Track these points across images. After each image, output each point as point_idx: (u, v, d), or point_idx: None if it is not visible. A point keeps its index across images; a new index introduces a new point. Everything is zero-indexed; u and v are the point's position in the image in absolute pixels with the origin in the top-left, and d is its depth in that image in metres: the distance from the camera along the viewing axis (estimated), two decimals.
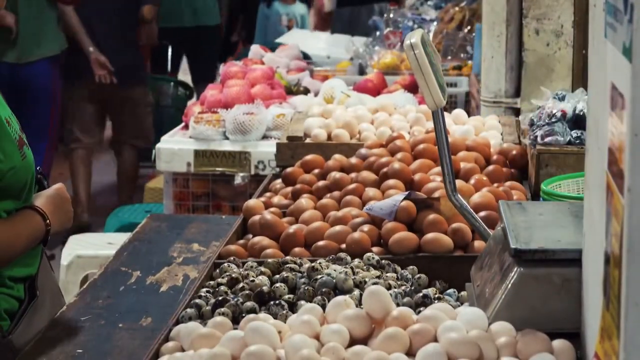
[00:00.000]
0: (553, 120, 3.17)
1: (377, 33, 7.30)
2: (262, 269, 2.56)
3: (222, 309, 2.31)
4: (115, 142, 7.54)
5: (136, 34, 7.51)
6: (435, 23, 7.42)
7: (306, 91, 5.48)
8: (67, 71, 7.15)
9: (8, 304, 2.47)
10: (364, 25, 9.33)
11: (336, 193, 3.12)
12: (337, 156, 3.39)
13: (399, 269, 2.60)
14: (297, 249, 2.81)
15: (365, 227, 2.81)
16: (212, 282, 2.57)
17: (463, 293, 2.46)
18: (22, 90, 6.75)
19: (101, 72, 7.06)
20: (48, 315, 2.57)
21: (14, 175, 2.43)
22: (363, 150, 3.40)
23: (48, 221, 2.50)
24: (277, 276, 2.49)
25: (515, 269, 2.03)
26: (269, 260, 2.60)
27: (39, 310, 2.55)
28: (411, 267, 2.62)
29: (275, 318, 2.23)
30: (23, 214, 2.48)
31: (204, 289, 2.49)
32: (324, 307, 2.19)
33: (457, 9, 7.36)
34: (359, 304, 2.25)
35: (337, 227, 2.84)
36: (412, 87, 5.29)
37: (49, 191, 2.58)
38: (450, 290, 2.51)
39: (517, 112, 4.33)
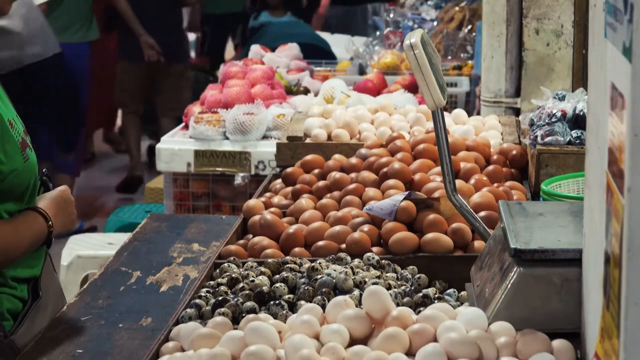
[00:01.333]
0: (553, 120, 3.17)
1: (377, 33, 7.30)
2: (262, 269, 2.56)
3: (222, 309, 2.31)
4: (155, 113, 8.44)
5: (180, 16, 8.52)
6: (435, 23, 7.43)
7: (306, 91, 5.48)
8: (120, 49, 8.39)
9: (11, 304, 2.48)
10: (359, 25, 9.26)
11: (336, 193, 3.12)
12: (337, 156, 3.39)
13: (398, 269, 2.60)
14: (297, 249, 2.81)
15: (365, 227, 2.81)
16: (212, 282, 2.57)
17: (463, 293, 2.46)
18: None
19: (150, 52, 8.08)
20: (50, 316, 2.58)
21: (16, 177, 2.43)
22: (363, 150, 3.40)
23: (50, 223, 2.50)
24: (277, 276, 2.50)
25: (515, 269, 2.03)
26: (269, 260, 2.60)
27: (41, 311, 2.55)
28: (411, 267, 2.62)
29: (275, 318, 2.23)
30: (25, 215, 2.48)
31: (204, 289, 2.49)
32: (323, 307, 2.19)
33: (457, 8, 7.36)
34: (358, 304, 2.25)
35: (337, 227, 2.84)
36: (412, 87, 5.29)
37: (53, 193, 2.58)
38: (450, 290, 2.51)
39: (517, 112, 4.34)
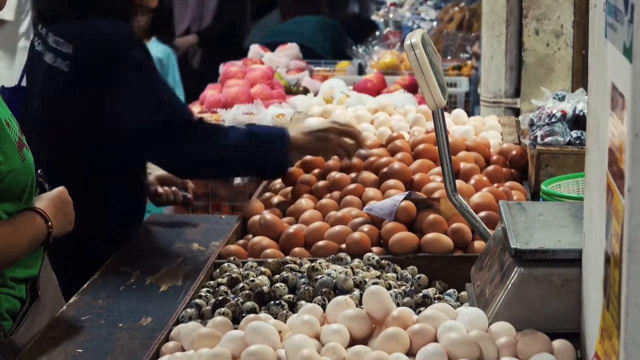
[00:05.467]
0: (553, 120, 3.18)
1: (377, 33, 7.30)
2: (262, 268, 2.56)
3: (222, 309, 2.32)
4: None
5: None
6: (434, 23, 7.43)
7: (306, 91, 5.47)
8: None
9: (10, 304, 2.47)
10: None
11: (336, 193, 3.13)
12: (337, 156, 3.39)
13: (398, 269, 2.60)
14: (297, 249, 2.81)
15: (365, 227, 2.81)
16: (212, 282, 2.57)
17: (463, 293, 2.46)
18: None
19: None
20: (49, 315, 2.57)
21: (14, 177, 2.42)
22: (363, 150, 3.40)
23: (50, 223, 2.49)
24: (277, 276, 2.50)
25: (516, 269, 2.03)
26: (269, 260, 2.61)
27: (40, 311, 2.55)
28: (411, 267, 2.62)
29: (275, 318, 2.23)
30: (25, 215, 2.47)
31: (204, 289, 2.49)
32: (324, 307, 2.19)
33: (456, 9, 7.37)
34: (359, 304, 2.25)
35: (337, 227, 2.84)
36: (411, 87, 5.28)
37: (51, 194, 2.57)
38: (450, 290, 2.51)
39: (516, 112, 4.34)
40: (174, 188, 3.43)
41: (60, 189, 2.61)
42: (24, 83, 3.30)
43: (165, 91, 3.09)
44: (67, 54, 3.08)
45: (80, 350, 2.36)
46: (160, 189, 3.41)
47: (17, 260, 2.44)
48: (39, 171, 2.60)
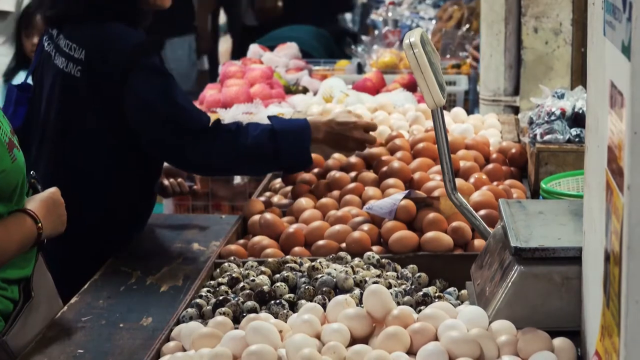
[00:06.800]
0: (552, 118, 3.18)
1: (376, 32, 7.29)
2: (263, 268, 2.56)
3: (223, 309, 2.32)
4: None
5: None
6: (433, 22, 7.42)
7: (305, 90, 5.47)
8: None
9: (2, 305, 2.46)
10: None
11: (336, 192, 3.13)
12: (336, 155, 3.40)
13: (399, 267, 2.60)
14: (297, 249, 2.81)
15: (365, 226, 2.81)
16: (212, 282, 2.57)
17: (463, 292, 2.46)
18: None
19: None
20: (43, 316, 2.56)
21: (4, 179, 2.41)
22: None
23: (40, 225, 2.48)
24: (278, 276, 2.50)
25: (516, 267, 2.03)
26: (269, 259, 2.61)
27: (33, 312, 2.54)
28: (411, 265, 2.62)
29: (276, 317, 2.24)
30: (14, 217, 2.46)
31: (205, 289, 2.50)
32: (324, 306, 2.19)
33: (455, 7, 7.35)
34: (359, 303, 2.26)
35: (337, 227, 2.84)
36: (411, 86, 5.28)
37: (43, 195, 2.56)
38: (451, 289, 2.51)
39: (516, 110, 4.34)
40: (179, 179, 3.43)
41: (53, 189, 2.60)
42: (29, 80, 3.29)
43: (182, 96, 3.08)
44: (79, 60, 3.04)
45: (81, 351, 2.36)
46: (166, 181, 3.40)
47: (6, 261, 2.44)
48: (31, 172, 2.59)
